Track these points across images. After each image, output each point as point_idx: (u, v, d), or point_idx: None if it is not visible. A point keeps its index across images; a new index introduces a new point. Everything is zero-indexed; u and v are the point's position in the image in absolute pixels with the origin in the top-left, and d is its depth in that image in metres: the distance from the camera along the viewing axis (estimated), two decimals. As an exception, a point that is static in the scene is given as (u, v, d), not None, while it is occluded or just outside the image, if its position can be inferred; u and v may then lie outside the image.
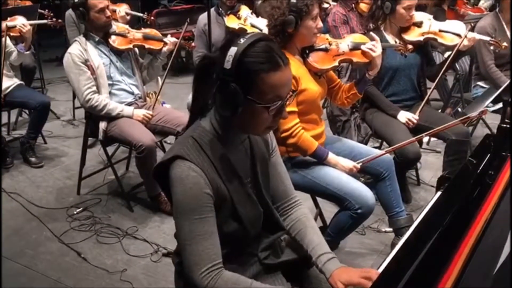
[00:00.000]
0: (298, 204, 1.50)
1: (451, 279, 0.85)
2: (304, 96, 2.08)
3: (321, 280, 1.39)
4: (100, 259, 2.51)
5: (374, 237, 2.65)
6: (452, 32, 2.68)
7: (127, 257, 2.53)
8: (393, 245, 2.42)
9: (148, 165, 2.77)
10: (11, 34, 3.33)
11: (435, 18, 2.77)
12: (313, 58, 2.18)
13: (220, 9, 3.72)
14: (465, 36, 2.59)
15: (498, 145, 1.41)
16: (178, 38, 3.06)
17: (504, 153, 1.32)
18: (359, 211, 2.02)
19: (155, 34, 3.10)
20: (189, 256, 1.21)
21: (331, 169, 2.12)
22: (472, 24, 3.02)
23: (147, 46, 3.04)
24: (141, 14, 4.04)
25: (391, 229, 2.46)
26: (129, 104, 2.97)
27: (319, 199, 2.44)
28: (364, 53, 2.25)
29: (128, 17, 3.59)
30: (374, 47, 2.22)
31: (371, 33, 2.56)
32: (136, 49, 3.11)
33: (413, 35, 2.72)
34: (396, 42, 2.67)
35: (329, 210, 2.49)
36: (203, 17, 3.66)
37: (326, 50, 2.23)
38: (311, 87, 2.11)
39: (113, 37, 2.95)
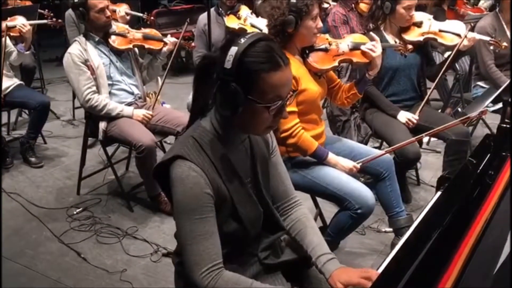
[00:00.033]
0: (298, 204, 1.50)
1: (451, 279, 0.85)
2: (304, 96, 2.08)
3: (321, 280, 1.39)
4: (100, 259, 2.51)
5: (374, 237, 2.65)
6: (452, 32, 2.68)
7: (127, 257, 2.53)
8: (393, 245, 2.42)
9: (148, 165, 2.77)
10: (11, 34, 3.33)
11: (435, 18, 2.77)
12: (313, 58, 2.18)
13: (220, 9, 3.72)
14: (465, 36, 2.59)
15: (498, 145, 1.41)
16: (178, 38, 3.06)
17: (504, 153, 1.32)
18: (359, 211, 2.02)
19: (155, 34, 3.10)
20: (189, 256, 1.21)
21: (331, 169, 2.12)
22: (472, 24, 3.02)
23: (147, 46, 3.04)
24: (141, 14, 4.04)
25: (391, 229, 2.46)
26: (129, 104, 2.97)
27: (319, 199, 2.44)
28: (364, 53, 2.25)
29: (128, 17, 3.59)
30: (374, 47, 2.22)
31: (371, 33, 2.57)
32: (136, 49, 3.11)
33: (413, 35, 2.72)
34: (396, 42, 2.67)
35: (329, 210, 2.49)
36: (203, 17, 3.66)
37: (326, 50, 2.23)
38: (311, 87, 2.11)
39: (113, 37, 2.95)
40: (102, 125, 2.87)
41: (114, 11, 3.39)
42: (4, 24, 3.24)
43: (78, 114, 4.54)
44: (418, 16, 2.72)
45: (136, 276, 2.37)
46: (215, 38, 3.55)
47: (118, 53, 2.98)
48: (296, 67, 1.99)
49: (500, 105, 3.00)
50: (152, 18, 5.00)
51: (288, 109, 1.27)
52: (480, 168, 1.29)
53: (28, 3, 4.52)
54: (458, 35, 2.65)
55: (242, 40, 1.16)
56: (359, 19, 3.89)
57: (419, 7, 2.86)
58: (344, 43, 2.29)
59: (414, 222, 1.36)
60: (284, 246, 1.49)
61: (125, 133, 2.79)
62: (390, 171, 2.32)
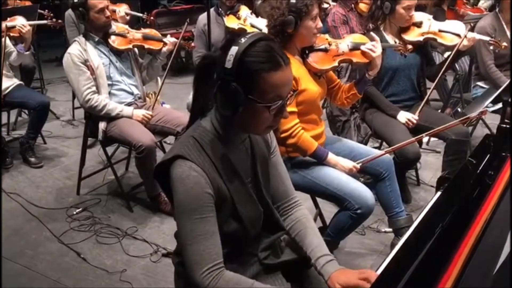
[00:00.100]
0: (298, 205, 1.50)
1: (451, 279, 0.85)
2: (303, 96, 2.08)
3: (320, 280, 1.39)
4: (100, 259, 2.51)
5: (374, 238, 2.65)
6: (452, 32, 2.68)
7: (126, 258, 2.52)
8: (392, 246, 2.43)
9: (147, 165, 2.77)
10: (11, 34, 3.33)
11: (435, 18, 2.78)
12: (312, 58, 2.18)
13: (220, 9, 3.72)
14: (465, 36, 2.59)
15: (497, 145, 1.41)
16: (177, 38, 3.06)
17: (503, 153, 1.32)
18: (358, 211, 2.02)
19: (155, 34, 3.10)
20: (190, 256, 1.21)
21: (331, 169, 2.12)
22: (472, 24, 3.02)
23: (146, 46, 3.04)
24: (140, 14, 4.04)
25: (390, 229, 2.46)
26: (129, 104, 2.97)
27: (319, 200, 2.44)
28: (364, 53, 2.25)
29: (128, 17, 3.59)
30: (374, 47, 2.22)
31: (371, 33, 2.57)
32: (136, 49, 3.11)
33: (413, 35, 2.72)
34: (395, 42, 2.67)
35: (329, 210, 2.49)
36: (202, 17, 3.66)
37: (325, 50, 2.23)
38: (310, 87, 2.11)
39: (112, 37, 2.95)
40: (102, 125, 2.87)
41: (114, 11, 3.39)
42: (4, 25, 3.24)
43: (77, 114, 4.54)
44: (418, 16, 2.72)
45: (136, 276, 2.37)
46: (215, 38, 3.55)
47: (118, 53, 2.98)
48: (296, 67, 1.99)
49: (500, 105, 3.00)
50: (151, 18, 4.99)
51: (288, 109, 1.27)
52: (480, 168, 1.29)
53: (28, 3, 4.52)
54: (458, 35, 2.65)
55: (243, 40, 1.16)
56: (359, 19, 3.89)
57: (419, 7, 2.86)
58: (344, 43, 2.29)
59: (414, 222, 1.36)
60: (284, 246, 1.49)
61: (125, 133, 2.79)
62: (390, 171, 2.32)
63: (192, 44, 3.35)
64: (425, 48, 2.84)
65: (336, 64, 2.24)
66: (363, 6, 3.86)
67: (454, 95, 4.05)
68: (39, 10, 3.85)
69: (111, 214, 2.94)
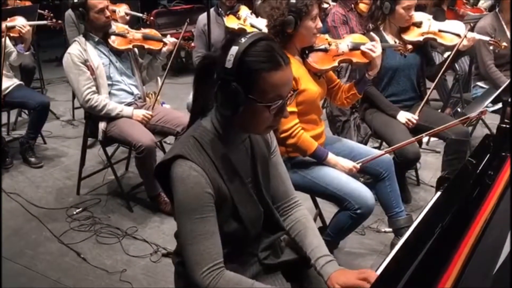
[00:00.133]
0: (298, 205, 1.50)
1: (451, 279, 0.85)
2: (303, 96, 2.08)
3: (320, 280, 1.39)
4: (100, 259, 2.51)
5: (374, 237, 2.65)
6: (452, 32, 2.68)
7: (126, 258, 2.52)
8: (392, 245, 2.43)
9: (147, 165, 2.78)
10: (11, 34, 3.33)
11: (435, 18, 2.78)
12: (312, 58, 2.18)
13: (220, 9, 3.72)
14: (465, 36, 2.59)
15: (497, 145, 1.41)
16: (177, 38, 3.06)
17: (503, 153, 1.32)
18: (358, 211, 2.02)
19: (155, 35, 3.10)
20: (190, 256, 1.21)
21: (331, 169, 2.12)
22: (472, 24, 3.02)
23: (146, 46, 3.04)
24: (140, 14, 4.04)
25: (390, 229, 2.46)
26: (129, 104, 2.97)
27: (318, 200, 2.44)
28: (363, 54, 2.25)
29: (128, 17, 3.59)
30: (374, 48, 2.22)
31: (371, 33, 2.57)
32: (136, 49, 3.11)
33: (413, 35, 2.72)
34: (395, 42, 2.67)
35: (329, 210, 2.49)
36: (202, 17, 3.66)
37: (325, 50, 2.23)
38: (310, 87, 2.11)
39: (112, 37, 2.95)
40: (102, 125, 2.87)
41: (114, 11, 3.39)
42: (3, 25, 3.24)
43: (77, 114, 4.54)
44: (418, 16, 2.72)
45: (136, 276, 2.37)
46: (215, 38, 3.55)
47: (117, 53, 2.99)
48: (295, 67, 1.98)
49: (499, 105, 3.01)
50: (151, 18, 5.00)
51: (288, 109, 1.27)
52: (480, 168, 1.29)
53: (28, 4, 4.52)
54: (458, 35, 2.65)
55: (243, 40, 1.16)
56: (359, 19, 3.89)
57: (419, 7, 2.87)
58: (344, 43, 2.29)
59: (414, 222, 1.36)
60: (284, 246, 1.49)
61: (125, 133, 2.79)
62: (389, 171, 2.32)
63: (192, 44, 3.35)
64: (425, 48, 2.84)
65: (336, 64, 2.24)
66: (363, 6, 3.86)
67: (454, 95, 4.05)
68: (39, 10, 3.85)
69: (111, 214, 2.94)
